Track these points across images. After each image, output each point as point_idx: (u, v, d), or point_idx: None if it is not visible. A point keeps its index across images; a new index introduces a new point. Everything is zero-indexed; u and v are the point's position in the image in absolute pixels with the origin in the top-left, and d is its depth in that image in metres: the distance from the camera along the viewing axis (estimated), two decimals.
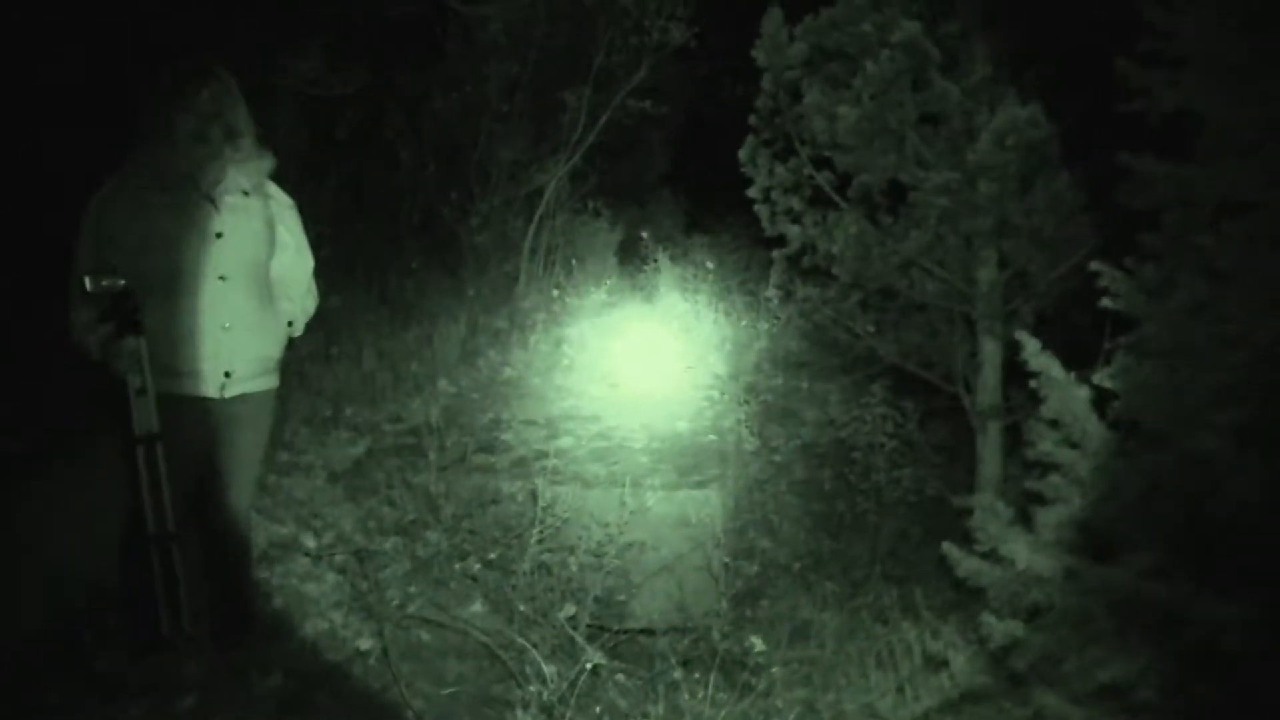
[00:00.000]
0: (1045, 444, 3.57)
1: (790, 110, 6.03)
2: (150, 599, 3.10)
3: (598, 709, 3.22)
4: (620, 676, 3.56)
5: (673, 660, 3.50)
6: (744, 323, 8.19)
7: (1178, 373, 3.03)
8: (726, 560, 4.45)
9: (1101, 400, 3.45)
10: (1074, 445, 3.48)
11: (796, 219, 6.25)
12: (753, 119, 6.23)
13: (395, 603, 3.96)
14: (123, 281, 2.94)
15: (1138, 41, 3.27)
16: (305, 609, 3.91)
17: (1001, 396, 5.80)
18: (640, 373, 6.76)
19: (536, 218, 9.02)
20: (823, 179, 6.04)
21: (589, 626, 3.76)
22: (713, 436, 5.53)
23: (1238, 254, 3.03)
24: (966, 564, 3.64)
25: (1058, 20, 5.17)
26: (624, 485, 4.39)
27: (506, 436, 5.44)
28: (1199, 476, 2.95)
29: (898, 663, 3.78)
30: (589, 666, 3.20)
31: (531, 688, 3.29)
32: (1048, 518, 3.49)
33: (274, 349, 3.34)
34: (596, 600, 3.87)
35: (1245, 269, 3.00)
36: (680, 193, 12.63)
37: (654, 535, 4.37)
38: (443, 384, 6.44)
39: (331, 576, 4.15)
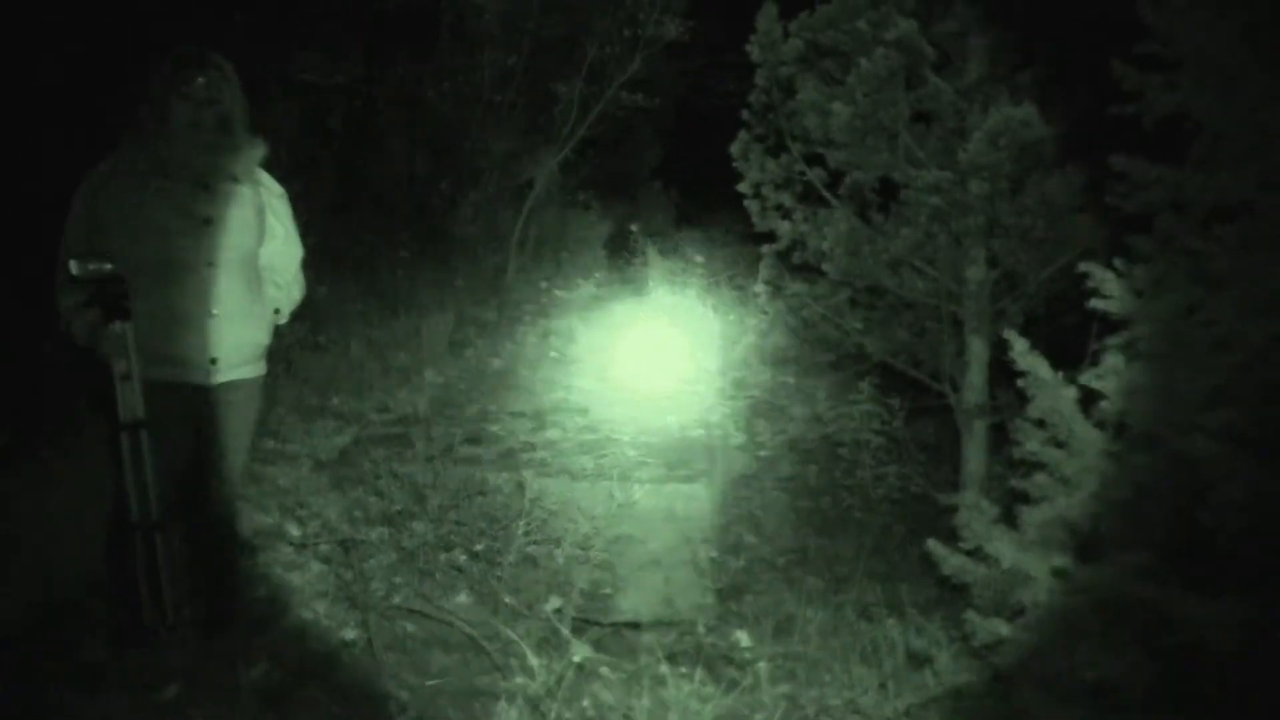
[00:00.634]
0: (1032, 443, 3.58)
1: (783, 106, 6.03)
2: (135, 589, 3.09)
3: (584, 703, 3.21)
4: (605, 670, 3.55)
5: (659, 654, 3.49)
6: (732, 318, 8.19)
7: (1168, 374, 3.04)
8: (713, 555, 4.46)
9: (1088, 400, 3.46)
10: (1060, 445, 3.49)
11: (787, 215, 6.25)
12: (745, 114, 6.23)
13: (380, 593, 3.95)
14: (110, 266, 2.93)
15: (1134, 44, 3.28)
16: (290, 599, 3.89)
17: (988, 395, 5.82)
18: (628, 366, 6.76)
19: (526, 210, 9.01)
20: (814, 175, 6.04)
21: (574, 620, 3.75)
22: (700, 431, 5.53)
23: (1230, 257, 3.04)
24: (951, 561, 3.65)
25: (1054, 21, 5.18)
26: (612, 479, 4.40)
27: (494, 428, 5.44)
28: (1188, 478, 2.95)
29: (881, 659, 3.78)
30: (577, 660, 3.19)
31: (518, 680, 3.29)
32: (1033, 517, 3.50)
33: (261, 336, 3.33)
34: (582, 593, 3.87)
35: (1237, 272, 3.01)
36: (670, 187, 12.63)
37: (641, 529, 4.38)
38: (430, 374, 6.43)
39: (317, 566, 4.14)
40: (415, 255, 8.44)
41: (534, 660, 3.34)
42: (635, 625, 4.16)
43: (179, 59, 3.09)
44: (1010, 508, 3.64)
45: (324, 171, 8.04)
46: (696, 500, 4.55)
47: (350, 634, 3.67)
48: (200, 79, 3.07)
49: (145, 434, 3.02)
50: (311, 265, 3.58)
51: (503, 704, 3.23)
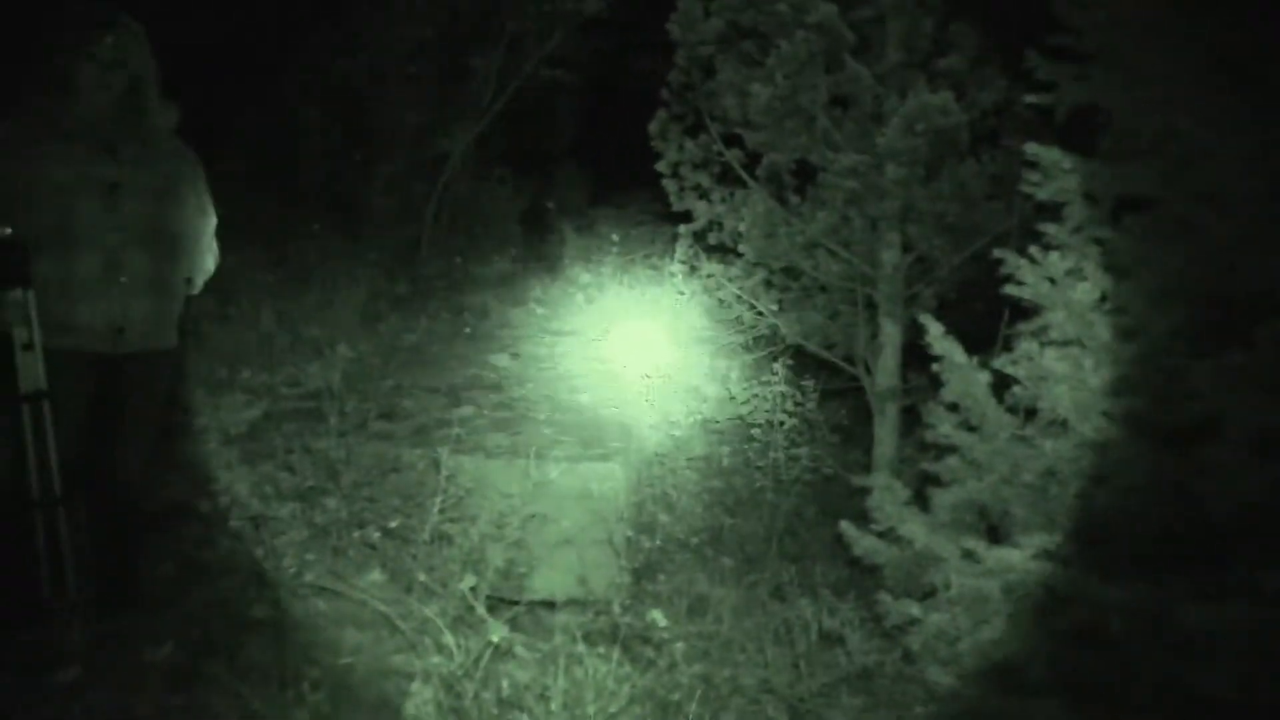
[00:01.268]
0: (944, 427, 3.65)
1: (702, 86, 6.04)
2: (33, 565, 3.00)
3: (501, 683, 3.20)
4: (521, 649, 3.54)
5: (575, 634, 3.48)
6: (647, 297, 8.19)
7: (1078, 361, 3.12)
8: (628, 534, 4.46)
9: (1000, 386, 3.54)
10: (972, 429, 3.57)
11: (704, 195, 6.29)
12: (664, 93, 6.22)
13: (292, 571, 3.88)
14: (9, 231, 2.83)
15: (1049, 35, 3.34)
16: (198, 576, 3.80)
17: (900, 379, 5.92)
18: (542, 343, 6.73)
19: (440, 184, 8.90)
20: (732, 156, 6.07)
21: (489, 599, 3.73)
22: (614, 409, 5.53)
23: (1136, 248, 3.12)
24: (863, 543, 3.72)
25: (972, 9, 5.26)
26: (527, 456, 4.37)
27: (407, 403, 5.37)
28: (1093, 463, 3.04)
29: (794, 639, 3.82)
30: (493, 640, 3.17)
31: (432, 659, 3.26)
32: (944, 499, 3.58)
33: (171, 306, 3.25)
34: (497, 572, 3.84)
35: (1143, 263, 3.10)
36: (587, 164, 12.56)
37: (556, 507, 4.36)
38: (342, 348, 6.31)
39: (226, 543, 4.05)
40: (327, 227, 8.28)
41: (449, 639, 3.31)
42: (551, 604, 4.15)
43: (85, 17, 2.98)
44: (921, 490, 3.71)
45: (233, 140, 7.82)
46: (611, 479, 4.54)
47: (260, 612, 3.60)
48: (109, 38, 2.97)
49: (47, 405, 2.93)
50: (221, 235, 3.49)
51: (417, 683, 3.20)
